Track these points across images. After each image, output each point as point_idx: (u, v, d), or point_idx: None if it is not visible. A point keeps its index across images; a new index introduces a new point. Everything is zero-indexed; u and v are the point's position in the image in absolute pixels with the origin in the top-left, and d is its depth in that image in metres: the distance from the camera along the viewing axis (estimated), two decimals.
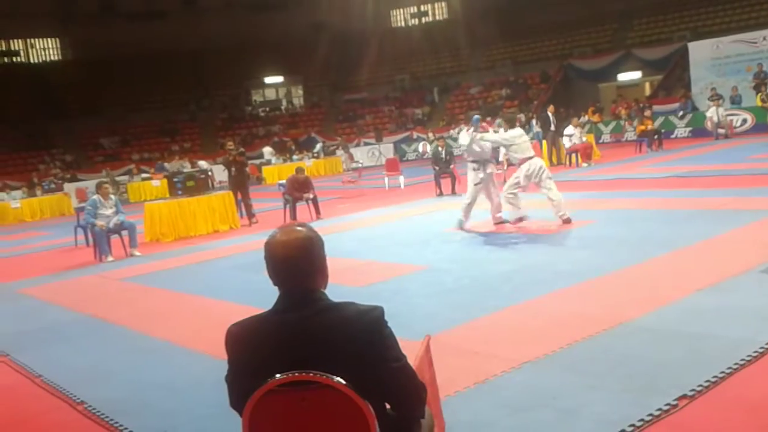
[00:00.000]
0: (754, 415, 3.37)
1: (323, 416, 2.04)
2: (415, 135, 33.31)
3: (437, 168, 15.44)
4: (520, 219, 9.68)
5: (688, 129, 24.81)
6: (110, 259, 11.05)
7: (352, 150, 31.27)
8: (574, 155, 18.84)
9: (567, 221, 9.35)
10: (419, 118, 35.93)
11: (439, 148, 15.86)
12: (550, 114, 20.04)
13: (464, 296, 6.28)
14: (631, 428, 3.33)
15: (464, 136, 10.12)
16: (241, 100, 40.39)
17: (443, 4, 41.10)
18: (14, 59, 38.30)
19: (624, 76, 31.38)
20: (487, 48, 38.19)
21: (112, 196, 11.71)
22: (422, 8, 41.66)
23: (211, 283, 8.39)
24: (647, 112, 22.94)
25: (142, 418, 4.30)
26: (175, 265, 10.04)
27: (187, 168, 22.58)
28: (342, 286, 6.48)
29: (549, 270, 6.83)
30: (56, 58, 39.01)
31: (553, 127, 19.72)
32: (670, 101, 27.10)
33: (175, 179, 13.76)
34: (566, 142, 18.84)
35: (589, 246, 7.81)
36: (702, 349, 4.21)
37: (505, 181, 10.75)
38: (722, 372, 3.81)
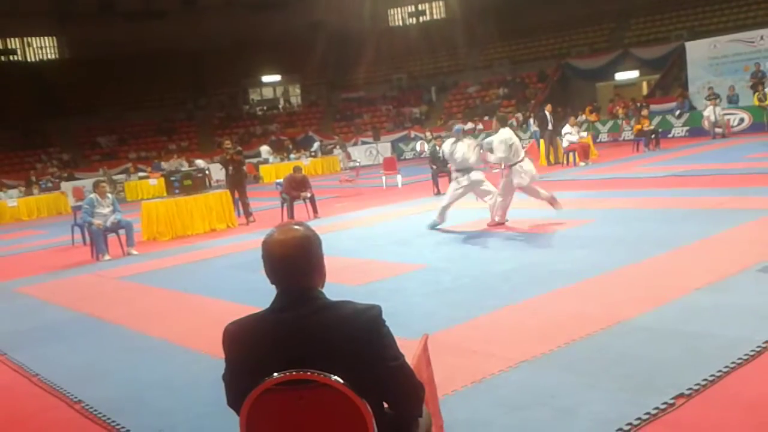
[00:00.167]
0: (752, 413, 3.37)
1: (321, 415, 2.04)
2: (412, 134, 33.32)
3: (435, 167, 15.44)
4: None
5: (686, 128, 24.84)
6: (107, 257, 11.03)
7: (350, 149, 31.28)
8: (571, 154, 18.85)
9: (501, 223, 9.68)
10: (417, 117, 35.95)
11: (437, 147, 15.84)
12: (547, 113, 20.05)
13: (462, 295, 6.28)
14: (629, 427, 3.33)
15: (447, 145, 10.24)
16: (238, 99, 40.38)
17: (441, 3, 41.13)
18: (11, 58, 38.25)
19: (621, 76, 31.44)
20: (485, 47, 38.22)
21: (109, 195, 11.69)
22: (420, 7, 41.69)
23: (208, 282, 8.38)
24: (644, 112, 22.96)
25: (139, 416, 4.29)
26: (172, 264, 10.02)
27: (185, 167, 22.57)
28: (340, 285, 6.47)
29: (547, 269, 6.83)
30: (53, 56, 38.97)
31: (550, 127, 19.73)
32: (668, 100, 27.14)
33: (173, 178, 13.75)
34: (564, 142, 18.86)
35: (586, 245, 7.81)
36: (699, 348, 4.21)
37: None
38: (719, 371, 3.81)
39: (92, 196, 11.56)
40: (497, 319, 5.39)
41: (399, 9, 41.90)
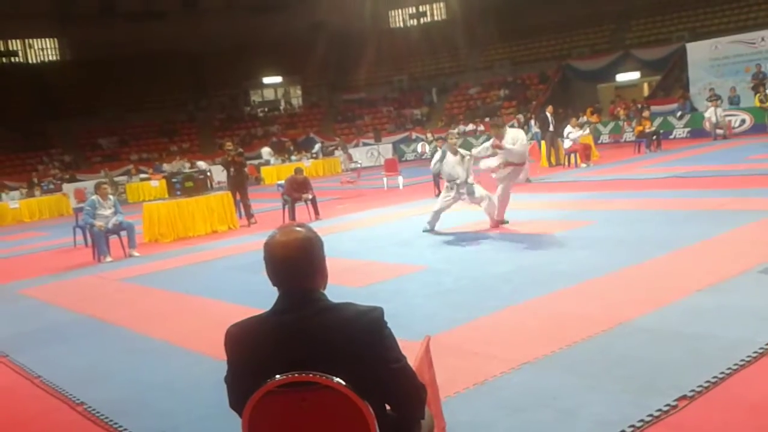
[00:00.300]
0: (754, 415, 3.37)
1: (323, 417, 2.04)
2: (413, 135, 33.31)
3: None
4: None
5: (687, 129, 24.82)
6: (109, 259, 11.04)
7: (351, 150, 31.26)
8: (572, 156, 18.84)
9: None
10: (418, 118, 35.95)
11: (438, 149, 15.84)
12: (548, 114, 20.03)
13: (464, 297, 6.28)
14: (631, 429, 3.33)
15: (438, 155, 10.33)
16: (239, 101, 40.39)
17: (441, 4, 41.14)
18: (12, 59, 38.28)
19: (622, 77, 31.42)
20: (486, 48, 38.22)
21: (111, 197, 11.70)
22: (421, 9, 41.69)
23: (209, 283, 8.38)
24: (646, 113, 22.95)
25: (141, 418, 4.29)
26: (174, 266, 10.03)
27: (187, 168, 22.60)
28: (341, 287, 6.47)
29: (548, 270, 6.83)
30: (55, 58, 38.98)
31: (551, 128, 19.72)
32: (669, 102, 27.13)
33: (174, 180, 13.76)
34: (566, 143, 18.85)
35: (588, 246, 7.80)
36: (701, 350, 4.21)
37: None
38: (722, 372, 3.81)
39: (94, 197, 11.57)
40: (498, 321, 5.39)
41: (400, 10, 41.91)
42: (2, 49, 37.95)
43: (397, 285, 7.07)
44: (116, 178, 27.79)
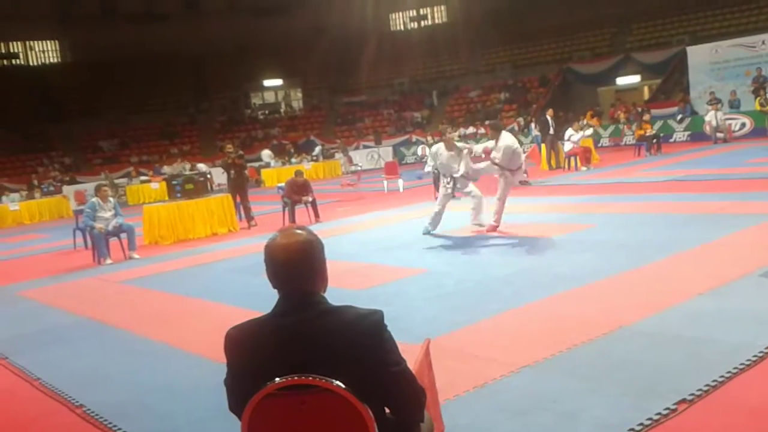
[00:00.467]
0: (754, 419, 3.37)
1: (322, 420, 2.04)
2: (414, 138, 33.33)
3: (436, 171, 15.40)
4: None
5: (687, 133, 24.83)
6: (109, 261, 11.04)
7: (351, 153, 31.27)
8: (573, 159, 18.85)
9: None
10: (418, 121, 35.98)
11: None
12: (549, 118, 20.02)
13: (464, 300, 6.28)
14: None
15: (435, 147, 10.33)
16: (240, 103, 40.43)
17: (442, 7, 41.19)
18: (13, 61, 38.35)
19: (623, 80, 31.44)
20: (487, 51, 38.26)
21: (111, 199, 11.70)
22: (421, 12, 41.74)
23: (209, 286, 8.38)
24: (646, 117, 22.96)
25: (140, 421, 4.29)
26: (174, 268, 10.03)
27: (188, 171, 22.61)
28: (341, 290, 6.46)
29: (549, 273, 6.83)
30: (55, 60, 39.05)
31: (552, 131, 19.73)
32: (669, 105, 27.14)
33: (174, 182, 13.77)
34: (566, 145, 18.86)
35: (588, 249, 7.80)
36: (701, 353, 4.21)
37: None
38: (722, 376, 3.80)
39: (94, 200, 11.57)
40: (499, 324, 5.38)
41: (401, 13, 41.97)
42: (3, 51, 38.02)
43: (397, 288, 7.06)
44: (116, 181, 27.81)
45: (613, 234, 8.62)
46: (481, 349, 4.82)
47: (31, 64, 38.55)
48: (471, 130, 31.27)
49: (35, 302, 8.61)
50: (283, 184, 14.45)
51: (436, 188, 15.09)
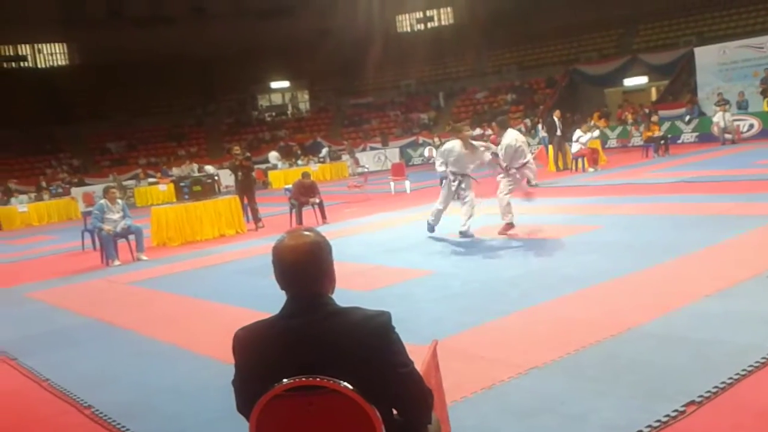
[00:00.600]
0: (763, 421, 3.36)
1: (330, 421, 2.04)
2: (420, 140, 33.33)
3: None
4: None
5: (695, 134, 24.74)
6: (117, 263, 11.08)
7: (358, 155, 31.28)
8: (580, 160, 18.82)
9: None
10: (425, 122, 35.97)
11: None
12: (556, 119, 20.01)
13: (471, 301, 6.28)
14: None
15: (448, 144, 10.22)
16: (247, 105, 40.51)
17: (449, 9, 41.17)
18: (22, 64, 38.50)
19: (630, 81, 31.35)
20: (493, 53, 38.23)
21: (119, 201, 11.74)
22: (428, 13, 41.73)
23: (217, 287, 8.41)
24: (654, 118, 22.89)
25: (148, 422, 4.31)
26: (182, 270, 10.06)
27: (196, 172, 22.67)
28: (348, 291, 6.46)
29: (556, 275, 6.82)
30: (63, 63, 39.19)
31: (559, 132, 19.71)
32: (677, 106, 27.05)
33: (182, 184, 13.81)
34: (574, 147, 18.82)
35: (595, 251, 7.79)
36: (709, 355, 4.20)
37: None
38: (730, 378, 3.79)
39: (102, 201, 11.62)
40: (506, 325, 5.38)
41: (407, 15, 41.95)
42: (12, 53, 38.19)
43: (404, 289, 7.07)
44: (124, 182, 27.88)
45: (620, 235, 8.60)
46: (488, 351, 4.82)
47: (39, 66, 38.71)
48: (478, 131, 31.23)
49: (44, 303, 8.65)
50: (290, 186, 14.47)
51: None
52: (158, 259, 11.24)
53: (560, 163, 19.68)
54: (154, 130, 36.42)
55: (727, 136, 22.21)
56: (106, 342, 6.43)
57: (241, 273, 9.15)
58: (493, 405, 3.86)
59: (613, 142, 27.14)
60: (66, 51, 39.09)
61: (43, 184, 27.61)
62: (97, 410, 4.55)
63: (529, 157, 9.89)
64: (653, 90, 32.55)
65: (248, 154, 15.97)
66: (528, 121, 30.61)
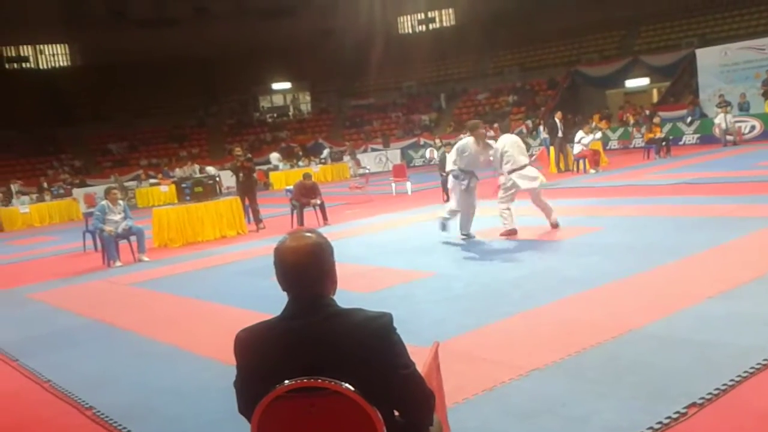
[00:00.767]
0: (765, 423, 3.35)
1: (332, 422, 2.04)
2: (422, 141, 33.33)
3: (444, 174, 15.39)
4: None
5: (696, 136, 24.73)
6: (118, 264, 11.08)
7: (360, 156, 31.31)
8: (581, 162, 18.82)
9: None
10: (426, 124, 35.98)
11: (447, 154, 15.81)
12: (557, 120, 20.01)
13: (473, 303, 6.27)
14: None
15: (461, 142, 10.12)
16: (249, 106, 40.55)
17: (450, 10, 41.19)
18: (24, 65, 38.56)
19: (631, 83, 31.36)
20: (495, 54, 38.24)
21: (121, 202, 11.75)
22: (429, 15, 41.76)
23: (218, 288, 8.41)
24: (656, 119, 22.89)
25: (149, 423, 4.30)
26: (183, 271, 10.06)
27: (197, 173, 22.68)
28: (350, 292, 6.47)
29: (557, 277, 6.81)
30: (65, 63, 39.24)
31: (560, 134, 19.71)
32: (678, 108, 27.06)
33: (183, 185, 13.82)
34: (575, 148, 18.82)
35: (597, 253, 7.78)
36: (711, 357, 4.19)
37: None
38: (732, 380, 3.79)
39: (104, 202, 11.62)
40: (508, 327, 5.37)
41: (409, 16, 41.98)
42: (13, 54, 38.26)
43: (406, 290, 7.06)
44: (126, 183, 27.90)
45: (621, 237, 8.59)
46: (490, 353, 4.81)
47: (41, 67, 38.77)
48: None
49: (45, 304, 8.65)
50: (291, 187, 14.48)
51: (444, 191, 15.08)
52: (159, 260, 11.24)
53: (562, 165, 19.68)
54: (155, 131, 36.45)
55: (729, 137, 22.21)
56: (107, 343, 6.43)
57: (242, 274, 9.15)
58: (494, 406, 3.86)
59: (614, 144, 27.14)
60: (68, 52, 39.14)
61: (45, 185, 27.63)
62: (98, 411, 4.54)
63: (522, 161, 9.62)
64: (655, 91, 32.55)
65: (249, 155, 15.99)
66: (529, 123, 30.61)
